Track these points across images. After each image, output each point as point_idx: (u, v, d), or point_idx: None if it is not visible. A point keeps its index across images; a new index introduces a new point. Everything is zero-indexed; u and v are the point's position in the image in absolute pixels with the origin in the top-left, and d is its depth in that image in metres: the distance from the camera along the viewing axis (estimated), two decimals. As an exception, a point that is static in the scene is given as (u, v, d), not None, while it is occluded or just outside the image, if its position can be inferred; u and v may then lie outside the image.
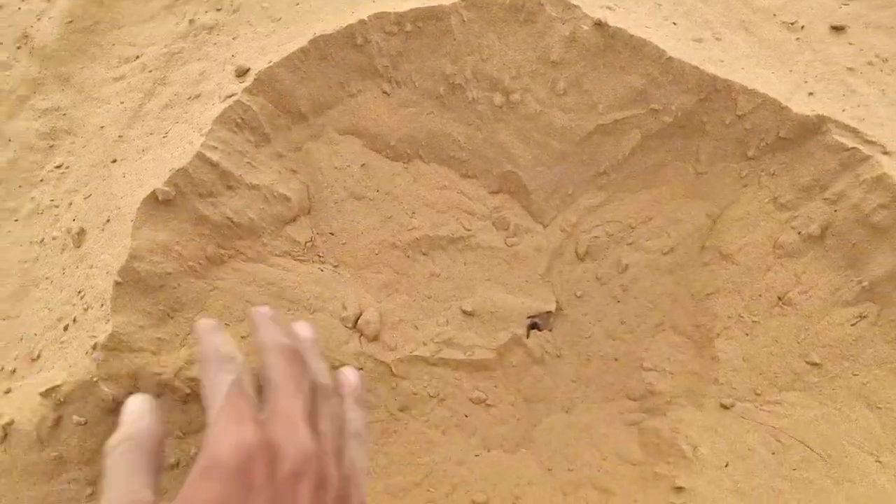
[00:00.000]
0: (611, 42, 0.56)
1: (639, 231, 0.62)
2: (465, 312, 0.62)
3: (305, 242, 0.59)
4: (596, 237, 0.63)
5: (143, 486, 0.32)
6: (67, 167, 0.60)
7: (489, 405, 0.62)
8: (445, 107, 0.60)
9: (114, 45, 0.66)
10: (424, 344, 0.61)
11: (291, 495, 0.31)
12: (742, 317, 0.59)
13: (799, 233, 0.56)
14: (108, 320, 0.49)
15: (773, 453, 0.53)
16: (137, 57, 0.64)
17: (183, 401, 0.52)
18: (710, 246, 0.61)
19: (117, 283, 0.50)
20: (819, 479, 0.51)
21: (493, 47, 0.58)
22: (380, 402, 0.60)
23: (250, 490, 0.30)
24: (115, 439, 0.34)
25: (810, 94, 0.56)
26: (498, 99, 0.59)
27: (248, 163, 0.55)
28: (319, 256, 0.60)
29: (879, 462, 0.51)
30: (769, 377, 0.56)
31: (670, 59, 0.55)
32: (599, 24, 0.55)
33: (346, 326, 0.59)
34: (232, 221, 0.55)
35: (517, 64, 0.58)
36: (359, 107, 0.59)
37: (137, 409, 0.35)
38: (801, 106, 0.54)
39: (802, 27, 0.60)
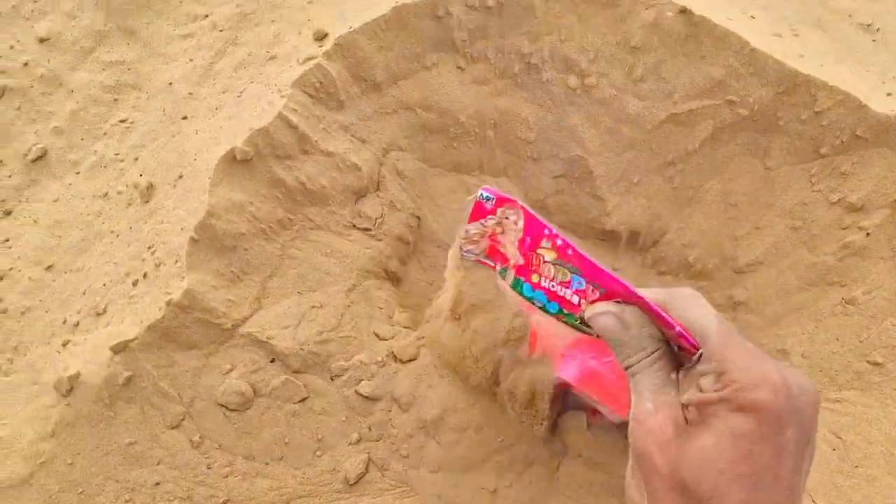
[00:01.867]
0: (694, 31, 0.55)
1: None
2: None
3: (376, 218, 0.58)
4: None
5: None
6: (132, 122, 0.58)
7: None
8: (518, 86, 0.60)
9: (181, 2, 0.64)
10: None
11: (809, 423, 0.32)
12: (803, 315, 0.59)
13: (868, 233, 0.56)
14: (183, 277, 0.48)
15: (834, 450, 0.53)
16: (207, 16, 0.63)
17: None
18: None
19: (193, 240, 0.49)
20: (882, 476, 0.51)
21: (573, 28, 0.57)
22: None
23: (780, 424, 0.30)
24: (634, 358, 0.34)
25: (888, 94, 0.56)
26: (573, 81, 0.59)
27: (323, 129, 0.55)
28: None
29: (942, 462, 0.52)
30: (829, 375, 0.57)
31: (753, 50, 0.55)
32: (684, 12, 0.55)
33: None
34: (305, 187, 0.54)
35: (596, 47, 0.57)
36: (432, 79, 0.59)
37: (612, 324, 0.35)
38: (881, 105, 0.55)
39: (878, 29, 0.60)
